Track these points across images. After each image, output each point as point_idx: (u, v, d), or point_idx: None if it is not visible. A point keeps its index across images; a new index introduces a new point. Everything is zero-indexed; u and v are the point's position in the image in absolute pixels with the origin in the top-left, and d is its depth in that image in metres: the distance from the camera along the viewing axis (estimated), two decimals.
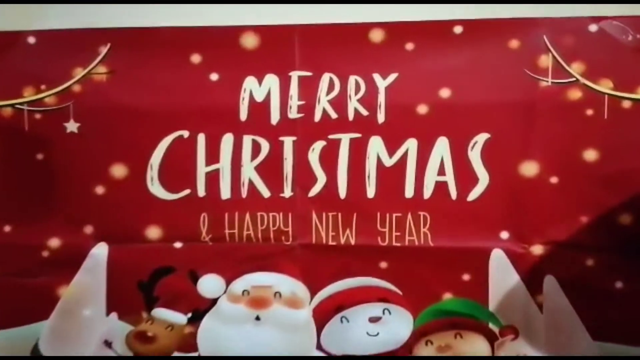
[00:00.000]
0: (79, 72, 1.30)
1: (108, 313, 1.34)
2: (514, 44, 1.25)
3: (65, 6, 1.28)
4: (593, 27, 1.23)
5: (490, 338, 1.30)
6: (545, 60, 1.24)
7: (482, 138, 1.27)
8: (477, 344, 1.29)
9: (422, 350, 1.31)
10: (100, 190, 1.33)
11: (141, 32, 1.29)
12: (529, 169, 1.27)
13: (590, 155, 1.25)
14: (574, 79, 1.24)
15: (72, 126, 1.31)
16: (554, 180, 1.26)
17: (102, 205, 1.33)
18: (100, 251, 1.34)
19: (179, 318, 1.35)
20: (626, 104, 1.23)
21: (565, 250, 1.27)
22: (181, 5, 1.27)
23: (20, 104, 1.30)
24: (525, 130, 1.27)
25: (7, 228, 1.33)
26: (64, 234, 1.33)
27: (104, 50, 1.30)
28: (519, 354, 1.28)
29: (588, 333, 1.26)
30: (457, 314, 1.30)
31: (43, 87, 1.30)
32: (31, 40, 1.30)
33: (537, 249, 1.29)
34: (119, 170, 1.33)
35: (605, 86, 1.23)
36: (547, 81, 1.24)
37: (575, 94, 1.24)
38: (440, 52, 1.27)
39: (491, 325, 1.30)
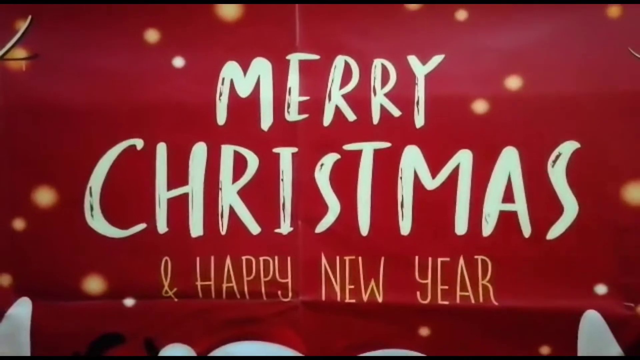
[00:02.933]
0: None
1: None
2: (614, 11, 1.06)
3: None
4: None
5: None
6: None
7: (568, 149, 1.09)
8: None
9: None
10: (19, 224, 1.17)
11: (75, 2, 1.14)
12: (637, 194, 1.09)
13: None
14: None
15: None
16: None
17: (23, 246, 1.18)
18: (21, 310, 1.18)
19: None
20: None
21: None
22: None
23: None
24: (633, 137, 1.08)
25: None
26: None
27: (22, 26, 1.14)
28: None
29: None
30: None
31: None
32: None
33: None
34: (45, 196, 1.17)
35: None
36: None
37: None
38: (506, 23, 1.09)
39: None
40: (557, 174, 1.09)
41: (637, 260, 1.10)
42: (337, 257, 1.15)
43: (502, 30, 1.09)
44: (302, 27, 1.11)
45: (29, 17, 1.12)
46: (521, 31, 1.08)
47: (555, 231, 1.09)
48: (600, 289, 1.10)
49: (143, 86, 1.14)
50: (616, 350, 1.10)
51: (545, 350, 1.11)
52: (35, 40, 1.13)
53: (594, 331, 1.09)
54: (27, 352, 1.18)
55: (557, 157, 1.09)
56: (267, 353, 1.17)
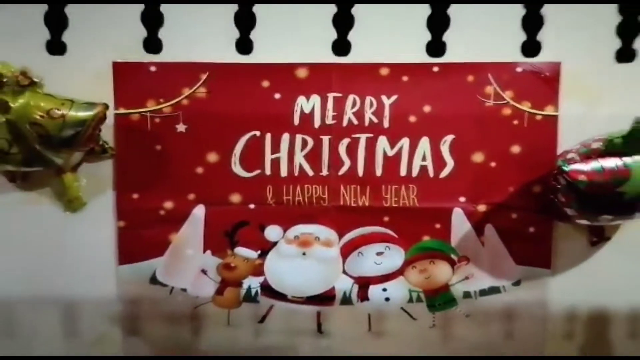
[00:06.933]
0: (186, 91, 1.76)
1: (204, 251, 1.81)
2: (470, 78, 1.76)
3: (177, 45, 1.79)
4: (519, 69, 1.77)
5: (452, 264, 1.82)
6: (489, 90, 1.76)
7: (449, 137, 1.78)
8: (444, 268, 1.83)
9: (410, 272, 1.85)
10: (200, 170, 1.79)
11: (230, 65, 1.77)
12: (478, 157, 1.79)
13: (516, 149, 1.78)
14: (506, 101, 1.75)
15: (181, 127, 1.77)
16: (493, 164, 1.78)
17: (201, 180, 1.79)
18: (199, 211, 1.80)
19: (252, 254, 1.82)
20: (539, 117, 1.76)
21: (499, 208, 1.79)
22: (257, 46, 1.77)
23: (145, 112, 1.78)
24: (476, 133, 1.77)
25: (135, 195, 1.82)
26: (175, 199, 1.80)
27: (203, 77, 1.76)
28: (470, 273, 1.83)
29: (512, 259, 1.81)
30: (432, 249, 1.82)
31: (161, 100, 1.76)
32: (152, 68, 1.78)
33: (482, 208, 1.80)
34: (213, 157, 1.79)
35: (525, 106, 1.75)
36: (490, 103, 1.75)
37: (507, 111, 1.76)
38: (425, 82, 1.77)
39: (452, 256, 1.82)
40: (445, 149, 1.73)
41: (478, 186, 1.72)
42: (348, 186, 1.74)
43: (423, 85, 1.70)
44: (335, 81, 1.70)
45: (207, 72, 1.71)
46: (431, 86, 1.71)
47: (443, 174, 1.74)
48: (462, 199, 1.75)
49: (261, 107, 1.72)
50: (468, 225, 1.72)
51: (438, 225, 1.73)
52: (210, 84, 1.71)
53: (459, 217, 1.76)
54: (201, 231, 1.74)
55: (445, 141, 1.73)
56: (316, 229, 1.74)
